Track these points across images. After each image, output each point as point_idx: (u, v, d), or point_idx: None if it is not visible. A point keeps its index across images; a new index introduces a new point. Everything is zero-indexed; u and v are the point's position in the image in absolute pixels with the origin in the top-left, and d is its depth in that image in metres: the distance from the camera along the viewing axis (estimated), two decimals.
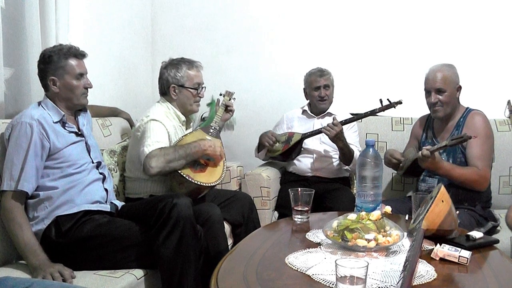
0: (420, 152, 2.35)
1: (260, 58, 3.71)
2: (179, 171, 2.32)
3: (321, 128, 2.89)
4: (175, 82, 2.55)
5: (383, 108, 2.82)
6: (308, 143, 3.07)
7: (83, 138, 2.18)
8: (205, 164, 2.42)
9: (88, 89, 2.17)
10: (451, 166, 2.43)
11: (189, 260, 1.92)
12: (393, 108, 2.81)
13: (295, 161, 3.10)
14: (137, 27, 3.68)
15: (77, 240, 1.97)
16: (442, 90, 2.50)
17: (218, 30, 3.78)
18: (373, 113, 2.88)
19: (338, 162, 3.07)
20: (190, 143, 2.37)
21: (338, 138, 2.82)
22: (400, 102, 2.78)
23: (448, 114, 2.55)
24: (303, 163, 3.09)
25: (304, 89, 3.17)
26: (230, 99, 2.76)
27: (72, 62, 2.09)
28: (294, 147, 3.04)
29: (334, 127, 2.79)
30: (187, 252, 1.92)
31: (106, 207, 2.15)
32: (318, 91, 3.07)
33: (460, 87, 2.54)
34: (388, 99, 2.79)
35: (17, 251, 1.93)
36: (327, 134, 2.83)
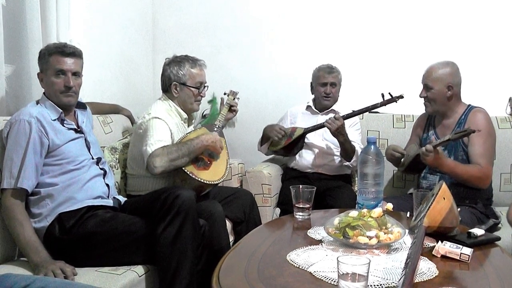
0: (423, 147, 2.34)
1: (261, 56, 3.70)
2: (183, 168, 2.32)
3: (323, 122, 2.88)
4: (176, 79, 2.54)
5: (385, 103, 2.81)
6: (310, 138, 3.06)
7: (83, 135, 2.17)
8: (209, 162, 2.42)
9: (73, 88, 2.07)
10: (454, 163, 2.42)
11: (186, 251, 1.90)
12: (394, 103, 2.80)
13: (296, 156, 3.10)
14: (138, 24, 3.67)
15: (81, 236, 1.96)
16: (428, 86, 2.53)
17: (219, 27, 3.77)
18: (375, 107, 2.87)
19: (339, 159, 3.07)
20: (193, 139, 2.37)
21: (339, 133, 2.82)
22: (401, 97, 2.78)
23: (439, 111, 2.57)
24: (305, 159, 3.09)
25: (311, 83, 3.17)
26: (234, 99, 2.75)
27: (55, 58, 2.04)
28: (296, 142, 3.03)
29: (336, 121, 2.78)
30: (186, 242, 1.90)
31: (109, 202, 2.14)
32: (324, 87, 3.07)
33: (451, 87, 2.51)
34: (390, 93, 2.78)
35: (19, 248, 1.94)
36: (328, 128, 2.82)
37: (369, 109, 2.90)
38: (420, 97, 2.58)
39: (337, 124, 2.78)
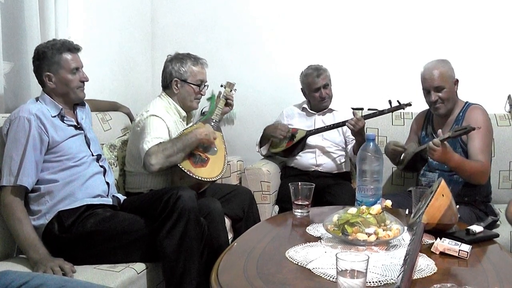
0: (430, 142, 2.32)
1: (260, 53, 3.70)
2: (180, 166, 2.32)
3: (345, 122, 2.85)
4: (178, 76, 2.54)
5: (393, 109, 2.80)
6: (310, 139, 3.06)
7: (82, 131, 2.17)
8: (206, 158, 2.42)
9: (85, 82, 2.16)
10: (462, 159, 2.38)
11: (192, 252, 1.92)
12: (402, 110, 2.80)
13: (296, 156, 3.10)
14: (137, 21, 3.66)
15: (80, 235, 1.96)
16: (440, 87, 2.48)
17: (218, 24, 3.77)
18: (382, 113, 2.87)
19: (339, 157, 3.07)
20: (186, 134, 2.37)
21: (359, 133, 2.82)
22: (409, 104, 2.78)
23: (449, 109, 2.55)
24: (305, 159, 3.09)
25: (301, 89, 3.15)
26: (231, 90, 2.75)
27: (67, 56, 2.07)
28: (298, 144, 3.03)
29: (358, 122, 2.78)
30: (191, 244, 1.92)
31: (108, 201, 2.15)
32: (318, 92, 3.04)
33: (457, 81, 2.53)
34: (398, 101, 2.77)
35: (18, 245, 1.93)
36: (351, 129, 2.81)
37: (376, 115, 2.90)
38: (432, 101, 2.51)
39: (360, 125, 2.78)
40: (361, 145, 2.84)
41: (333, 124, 2.98)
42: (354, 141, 2.98)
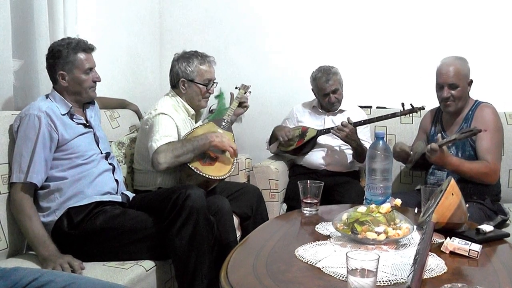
0: (428, 146, 2.33)
1: (269, 51, 3.69)
2: (188, 164, 2.31)
3: (330, 130, 2.87)
4: (185, 76, 2.52)
5: (405, 112, 2.77)
6: (320, 137, 3.04)
7: (91, 130, 2.18)
8: (215, 157, 2.41)
9: (97, 82, 2.17)
10: (459, 161, 2.40)
11: (203, 251, 1.92)
12: (415, 113, 2.78)
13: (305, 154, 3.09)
14: (145, 19, 3.67)
15: (89, 232, 1.97)
16: (455, 85, 2.46)
17: (226, 22, 3.76)
18: (394, 116, 2.84)
19: (348, 156, 3.06)
20: (197, 136, 2.35)
21: (349, 139, 2.80)
22: (423, 108, 2.75)
23: (459, 108, 2.53)
24: (314, 157, 3.07)
25: (312, 89, 3.13)
26: (245, 93, 2.73)
27: (81, 56, 2.09)
28: (308, 142, 3.02)
29: (344, 129, 2.76)
30: (201, 242, 1.92)
31: (117, 198, 2.15)
32: (327, 97, 3.01)
33: (471, 81, 2.51)
34: (411, 104, 2.74)
35: (27, 242, 1.94)
36: (337, 136, 2.81)
37: (388, 117, 2.86)
38: (444, 97, 2.48)
39: (345, 132, 2.76)
40: (357, 151, 2.87)
41: (330, 128, 2.95)
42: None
